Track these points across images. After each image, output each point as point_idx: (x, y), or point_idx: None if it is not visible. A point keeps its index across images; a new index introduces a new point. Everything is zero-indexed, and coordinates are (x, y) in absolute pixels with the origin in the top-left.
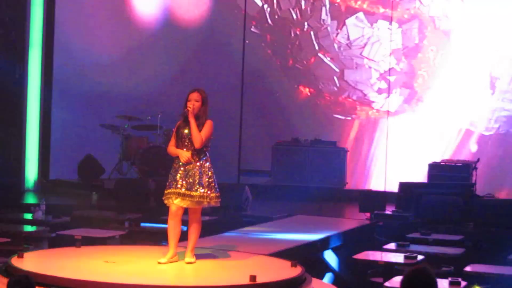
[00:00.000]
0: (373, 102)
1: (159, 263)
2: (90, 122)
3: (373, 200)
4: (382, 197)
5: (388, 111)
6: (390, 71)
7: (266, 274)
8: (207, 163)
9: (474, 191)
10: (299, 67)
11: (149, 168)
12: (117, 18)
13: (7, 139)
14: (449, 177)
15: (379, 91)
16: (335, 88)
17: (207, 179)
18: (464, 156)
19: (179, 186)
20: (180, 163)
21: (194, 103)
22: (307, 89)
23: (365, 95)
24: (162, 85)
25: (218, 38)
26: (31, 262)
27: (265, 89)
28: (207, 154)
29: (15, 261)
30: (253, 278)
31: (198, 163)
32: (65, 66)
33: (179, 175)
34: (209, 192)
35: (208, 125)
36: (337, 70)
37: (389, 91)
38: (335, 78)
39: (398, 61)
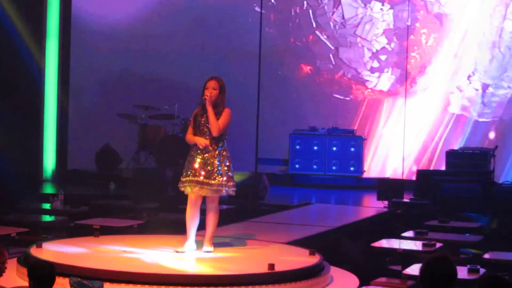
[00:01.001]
0: (367, 81)
1: (177, 252)
2: (107, 111)
3: (391, 188)
4: (400, 185)
5: (386, 92)
6: (383, 50)
7: (284, 263)
8: (225, 152)
9: (492, 178)
10: (299, 45)
11: (166, 157)
12: (135, 7)
13: (25, 130)
14: (467, 164)
15: (372, 70)
16: (331, 66)
17: (225, 168)
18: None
19: (197, 174)
20: (198, 151)
21: (211, 91)
22: (308, 67)
23: (358, 73)
24: (179, 74)
25: (235, 24)
26: (50, 251)
27: (279, 74)
28: (225, 142)
29: (34, 251)
30: (271, 266)
31: (216, 152)
32: (82, 56)
33: (197, 163)
34: (227, 180)
35: (226, 114)
36: (332, 47)
37: (406, 77)
38: (331, 56)
39: (389, 41)
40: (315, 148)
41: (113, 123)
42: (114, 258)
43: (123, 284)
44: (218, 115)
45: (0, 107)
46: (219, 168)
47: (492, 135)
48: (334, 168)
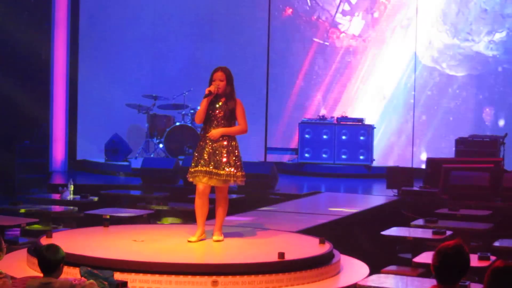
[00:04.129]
0: (339, 23)
1: (188, 241)
2: (116, 102)
3: (400, 176)
4: (410, 173)
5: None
6: None
7: (294, 251)
8: (234, 142)
9: (503, 166)
10: None
11: (175, 147)
12: None
13: (34, 120)
14: (477, 152)
15: (343, 13)
16: (307, 8)
17: (234, 158)
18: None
19: (206, 164)
20: (207, 141)
21: (218, 82)
22: (290, 10)
23: (331, 15)
24: (188, 63)
25: (243, 9)
26: (60, 241)
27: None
28: None
29: (44, 241)
30: (281, 255)
31: (225, 142)
32: (90, 46)
33: (206, 153)
34: (235, 171)
35: (240, 107)
36: None
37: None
38: None
39: None
40: (325, 137)
41: (122, 113)
42: (124, 247)
43: (133, 274)
44: (230, 106)
45: (9, 98)
46: (228, 158)
47: (501, 122)
48: (343, 157)
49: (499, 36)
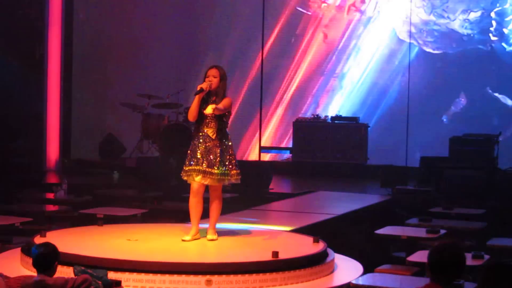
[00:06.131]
0: None
1: (183, 240)
2: (110, 101)
3: (394, 175)
4: (404, 172)
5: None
6: None
7: (288, 250)
8: (228, 141)
9: (496, 165)
10: None
11: (169, 146)
12: None
13: (28, 120)
14: (471, 151)
15: None
16: None
17: (227, 157)
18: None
19: (200, 163)
20: (201, 141)
21: (212, 79)
22: None
23: None
24: (182, 63)
25: (237, 12)
26: (54, 240)
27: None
28: (227, 131)
29: (38, 240)
30: (275, 254)
31: (218, 141)
32: (84, 45)
33: (199, 152)
34: (229, 169)
35: (226, 99)
36: None
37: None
38: None
39: None
40: (319, 136)
41: (117, 112)
42: (118, 247)
43: (127, 273)
44: (219, 102)
45: (3, 96)
46: (222, 157)
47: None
48: (337, 155)
49: (474, 15)
